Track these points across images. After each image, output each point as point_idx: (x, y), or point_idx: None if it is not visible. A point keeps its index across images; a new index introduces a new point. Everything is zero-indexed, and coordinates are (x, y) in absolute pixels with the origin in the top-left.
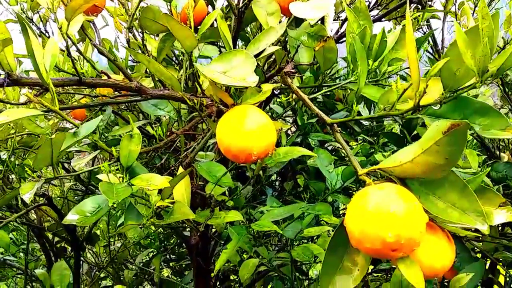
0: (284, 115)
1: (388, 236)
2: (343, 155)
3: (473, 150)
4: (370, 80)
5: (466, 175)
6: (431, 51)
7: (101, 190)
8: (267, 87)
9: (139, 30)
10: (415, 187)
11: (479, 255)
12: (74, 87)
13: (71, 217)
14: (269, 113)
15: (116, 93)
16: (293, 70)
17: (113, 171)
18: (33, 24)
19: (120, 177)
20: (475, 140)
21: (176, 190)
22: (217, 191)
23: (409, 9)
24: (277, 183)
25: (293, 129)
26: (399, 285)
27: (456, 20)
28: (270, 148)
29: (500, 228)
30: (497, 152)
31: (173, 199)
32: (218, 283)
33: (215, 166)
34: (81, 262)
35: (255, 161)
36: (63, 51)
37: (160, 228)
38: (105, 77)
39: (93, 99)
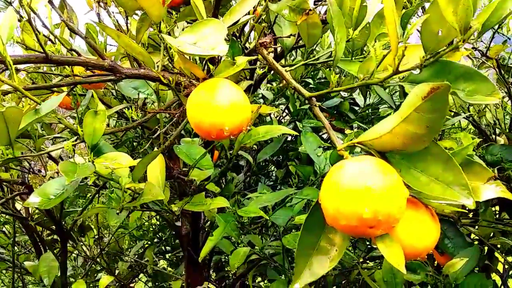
0: (277, 102)
1: (365, 211)
2: None
3: (467, 133)
4: (358, 57)
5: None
6: None
7: (60, 169)
8: (241, 60)
9: (125, 15)
10: (396, 161)
11: (476, 242)
12: (45, 66)
13: (33, 200)
14: (260, 99)
15: (89, 72)
16: (267, 40)
17: (79, 152)
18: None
19: (86, 157)
20: (471, 127)
21: (150, 173)
22: (200, 176)
23: None
24: (273, 173)
25: (288, 117)
26: (390, 271)
27: None
28: (244, 124)
29: (497, 214)
30: (493, 136)
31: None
32: (213, 273)
33: (194, 148)
34: (76, 255)
35: (227, 137)
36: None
37: (154, 219)
38: (75, 55)
39: (65, 78)
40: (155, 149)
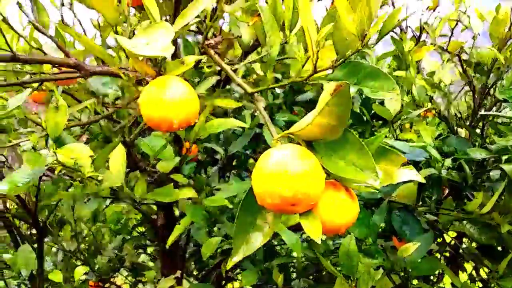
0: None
1: (285, 191)
2: None
3: (427, 125)
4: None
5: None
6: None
7: (24, 159)
8: (190, 59)
9: None
10: (320, 149)
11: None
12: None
13: (2, 187)
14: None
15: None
16: (213, 41)
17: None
18: None
19: (50, 148)
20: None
21: (112, 163)
22: (165, 167)
23: None
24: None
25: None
26: (346, 254)
27: None
28: (192, 117)
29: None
30: (456, 129)
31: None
32: (195, 265)
33: (157, 140)
34: (57, 249)
35: (177, 129)
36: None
37: (133, 214)
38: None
39: (31, 76)
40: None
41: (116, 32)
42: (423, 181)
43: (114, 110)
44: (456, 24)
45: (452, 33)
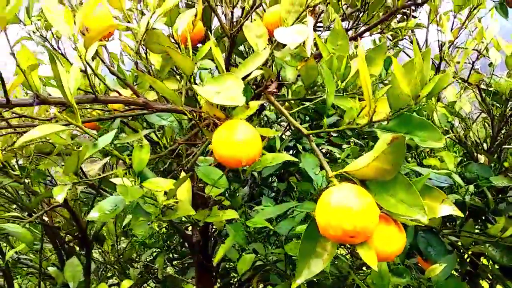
0: (279, 120)
1: (347, 225)
2: (337, 157)
3: (449, 152)
4: (348, 93)
5: (437, 174)
6: None
7: (118, 192)
8: (254, 104)
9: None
10: (373, 187)
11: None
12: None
13: (93, 214)
14: (263, 120)
15: (125, 107)
16: (275, 90)
17: (123, 175)
18: (46, 42)
19: (132, 180)
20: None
21: (179, 191)
22: (214, 192)
23: (395, 19)
24: (275, 184)
25: (289, 133)
26: (378, 274)
27: (439, 29)
28: (257, 156)
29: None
30: (476, 155)
31: (177, 199)
32: (218, 279)
33: (212, 170)
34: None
35: (244, 166)
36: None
37: (164, 229)
38: (116, 95)
39: (106, 112)
40: (175, 166)
41: (190, 81)
42: (462, 215)
43: (180, 144)
44: (478, 58)
45: (472, 65)
